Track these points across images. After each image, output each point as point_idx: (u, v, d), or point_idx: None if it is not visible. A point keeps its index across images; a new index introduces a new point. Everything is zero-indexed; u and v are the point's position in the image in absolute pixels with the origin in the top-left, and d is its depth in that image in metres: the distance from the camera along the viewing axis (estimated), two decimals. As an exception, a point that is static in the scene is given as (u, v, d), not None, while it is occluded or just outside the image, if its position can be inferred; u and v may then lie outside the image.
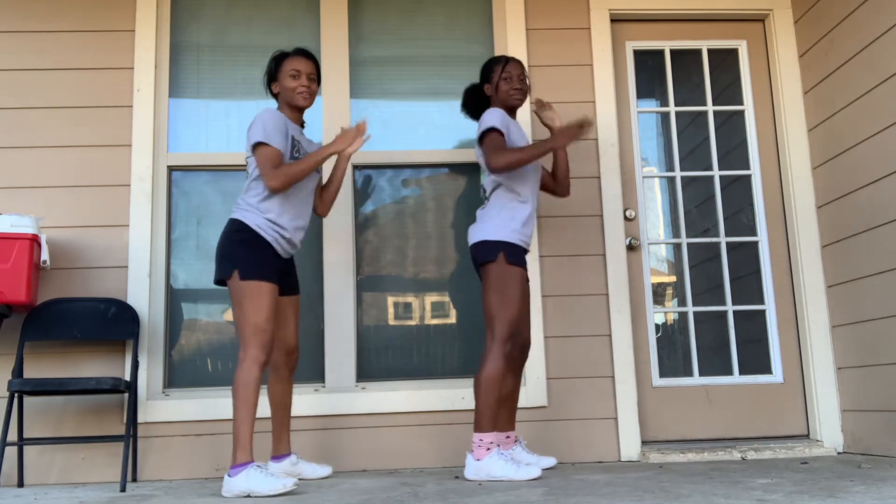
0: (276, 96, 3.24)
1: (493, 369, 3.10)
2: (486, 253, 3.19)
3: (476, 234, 3.26)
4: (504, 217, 3.23)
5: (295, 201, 3.14)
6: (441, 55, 4.13)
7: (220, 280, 3.07)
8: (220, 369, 3.81)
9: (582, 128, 3.19)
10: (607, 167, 3.98)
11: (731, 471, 3.13)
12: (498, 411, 3.20)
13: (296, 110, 3.22)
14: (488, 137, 3.20)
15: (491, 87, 3.38)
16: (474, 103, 3.49)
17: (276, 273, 3.04)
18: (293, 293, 3.30)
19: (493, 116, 3.24)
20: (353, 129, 3.16)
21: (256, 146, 3.03)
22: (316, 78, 3.21)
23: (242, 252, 3.00)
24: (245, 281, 2.97)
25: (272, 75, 3.22)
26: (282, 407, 3.31)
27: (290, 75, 3.16)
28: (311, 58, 3.21)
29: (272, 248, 3.06)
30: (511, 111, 3.39)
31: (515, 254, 3.20)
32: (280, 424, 3.31)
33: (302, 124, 3.26)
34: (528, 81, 3.39)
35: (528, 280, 3.41)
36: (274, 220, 3.07)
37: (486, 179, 3.33)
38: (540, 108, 3.52)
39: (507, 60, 3.36)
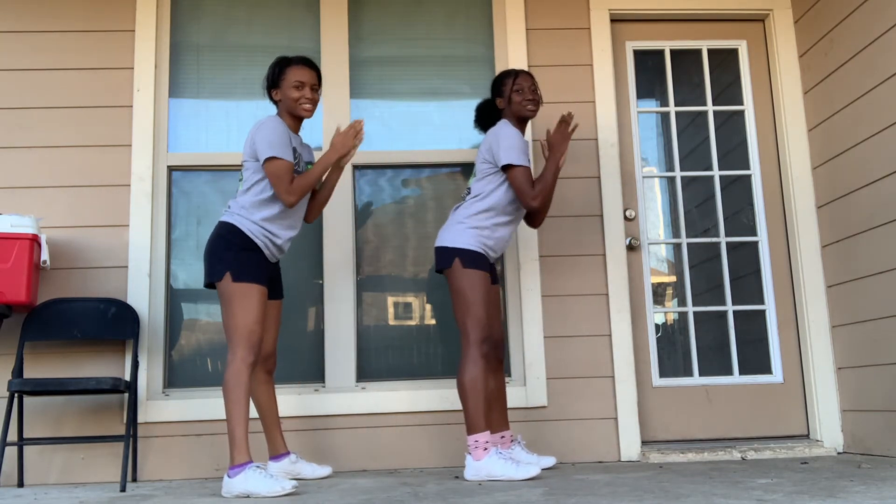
0: (276, 103, 3.23)
1: (475, 371, 3.14)
2: (442, 260, 3.27)
3: (439, 238, 3.32)
4: (469, 224, 3.27)
5: (291, 210, 3.15)
6: (441, 55, 4.12)
7: (211, 283, 3.07)
8: (220, 369, 3.81)
9: (567, 123, 3.36)
10: (607, 167, 3.97)
11: (731, 471, 3.13)
12: (488, 412, 3.22)
13: (296, 119, 3.22)
14: (520, 175, 3.24)
15: (503, 100, 3.41)
16: (487, 119, 3.54)
17: (265, 276, 3.06)
18: (277, 297, 3.31)
19: (514, 142, 3.26)
20: (349, 129, 3.17)
21: (267, 160, 3.03)
22: (318, 87, 3.21)
23: (233, 255, 3.01)
24: (237, 283, 2.98)
25: (274, 82, 3.21)
26: (268, 408, 3.31)
27: (293, 86, 3.14)
28: (314, 67, 3.20)
29: (262, 252, 3.08)
30: (522, 123, 3.42)
31: (473, 259, 3.22)
32: (270, 425, 3.31)
33: (297, 130, 3.27)
34: (539, 92, 3.42)
35: (495, 280, 3.47)
36: (268, 226, 3.09)
37: (476, 183, 3.35)
38: (560, 125, 3.41)
39: (517, 73, 3.40)
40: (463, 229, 3.27)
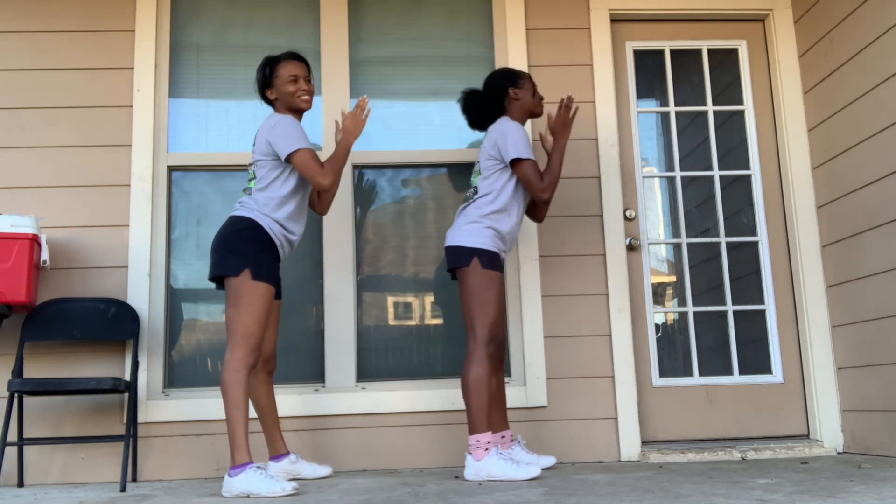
0: (271, 103, 3.23)
1: (480, 370, 3.14)
2: (459, 259, 3.26)
3: (452, 237, 3.31)
4: (484, 224, 3.27)
5: (302, 205, 3.17)
6: (441, 55, 4.12)
7: (220, 276, 3.02)
8: (219, 369, 3.81)
9: (567, 108, 3.41)
10: (607, 167, 3.98)
11: (731, 471, 3.13)
12: (489, 412, 3.22)
13: (296, 113, 3.22)
14: (529, 168, 3.27)
15: (521, 91, 3.42)
16: (478, 111, 3.52)
17: (277, 277, 3.05)
18: (278, 297, 3.30)
19: (520, 136, 3.29)
20: (356, 109, 3.15)
21: (293, 154, 3.02)
22: (310, 79, 3.23)
23: (254, 251, 2.99)
24: (255, 281, 2.96)
25: (266, 82, 3.21)
26: (268, 408, 3.30)
27: (288, 81, 3.16)
28: (304, 60, 3.23)
29: (276, 251, 3.07)
30: (528, 119, 3.49)
31: (491, 259, 3.23)
32: (270, 425, 3.30)
33: None
34: (538, 94, 3.51)
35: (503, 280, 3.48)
36: (286, 224, 3.08)
37: (482, 182, 3.34)
38: (561, 111, 3.47)
39: (528, 75, 3.48)
40: (479, 229, 3.27)
